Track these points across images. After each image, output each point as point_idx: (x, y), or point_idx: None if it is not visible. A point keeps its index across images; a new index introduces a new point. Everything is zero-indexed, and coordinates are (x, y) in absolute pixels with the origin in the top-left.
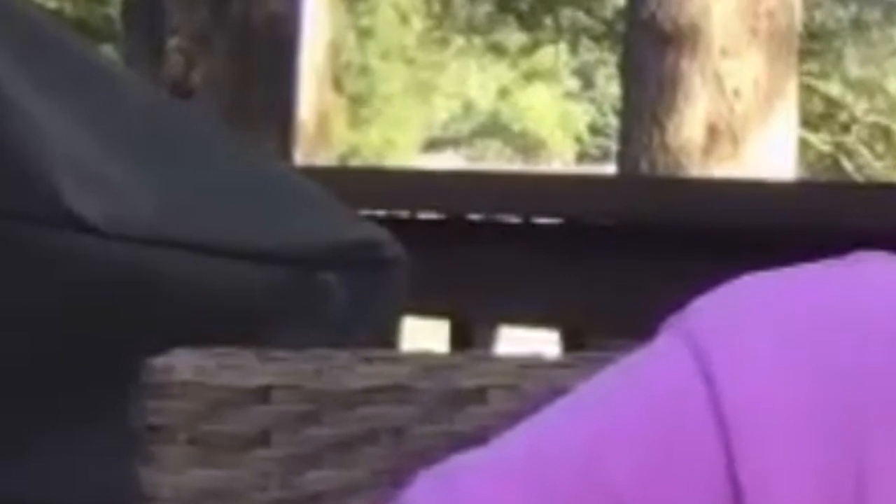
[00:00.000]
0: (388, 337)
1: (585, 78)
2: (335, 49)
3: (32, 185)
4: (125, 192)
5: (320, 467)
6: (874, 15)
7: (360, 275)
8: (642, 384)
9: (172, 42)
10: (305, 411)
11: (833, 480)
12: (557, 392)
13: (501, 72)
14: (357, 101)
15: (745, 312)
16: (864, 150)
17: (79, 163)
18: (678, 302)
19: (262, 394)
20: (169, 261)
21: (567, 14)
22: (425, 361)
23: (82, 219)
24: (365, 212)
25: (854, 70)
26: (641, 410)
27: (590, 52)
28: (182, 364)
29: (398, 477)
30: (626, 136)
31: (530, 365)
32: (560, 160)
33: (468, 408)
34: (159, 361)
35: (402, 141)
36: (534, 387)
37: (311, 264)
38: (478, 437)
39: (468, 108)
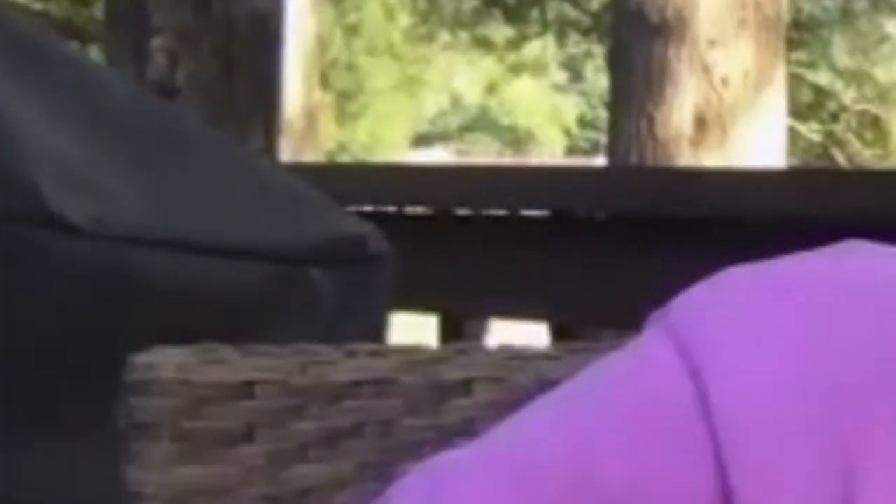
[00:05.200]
0: (377, 332)
1: (573, 71)
2: (322, 46)
3: (14, 185)
4: (109, 192)
5: (306, 462)
6: (862, 4)
7: (348, 271)
8: (628, 381)
9: (156, 42)
10: (290, 406)
11: (824, 473)
12: (544, 384)
13: (489, 66)
14: (345, 98)
15: (730, 306)
16: (853, 139)
17: (63, 164)
18: (669, 293)
19: (246, 389)
20: (154, 260)
21: (553, 7)
22: (410, 355)
23: (66, 219)
24: (352, 207)
25: (842, 59)
26: (628, 408)
27: (577, 44)
28: (164, 361)
29: (385, 470)
30: (614, 128)
31: (516, 357)
32: (549, 153)
33: (454, 400)
34: (141, 359)
35: (390, 137)
36: (520, 379)
37: (297, 261)
38: (464, 430)
39: (456, 102)
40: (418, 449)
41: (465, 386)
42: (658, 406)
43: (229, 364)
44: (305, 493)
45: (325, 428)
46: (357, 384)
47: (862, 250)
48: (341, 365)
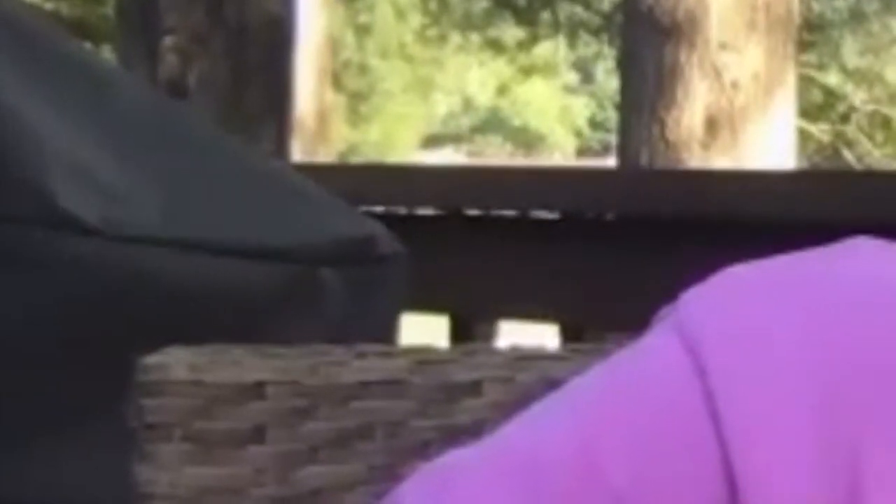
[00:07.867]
0: (388, 333)
1: (584, 72)
2: (334, 47)
3: (28, 188)
4: (122, 193)
5: (316, 463)
6: (872, 5)
7: (359, 271)
8: (635, 380)
9: (167, 42)
10: (300, 407)
11: (829, 475)
12: (553, 384)
13: (500, 67)
14: (356, 99)
15: (737, 304)
16: (863, 140)
17: (76, 165)
18: (679, 295)
19: (257, 390)
20: (167, 261)
21: (565, 8)
22: (420, 355)
23: (80, 221)
24: (363, 208)
25: (852, 60)
26: (635, 407)
27: (588, 45)
28: (176, 361)
29: (395, 471)
30: (625, 130)
31: (525, 357)
32: (560, 155)
33: (464, 401)
34: (153, 359)
35: (402, 138)
36: (529, 379)
37: (309, 261)
38: (474, 431)
39: (467, 104)
40: (428, 449)
41: (475, 387)
42: (665, 404)
43: (240, 365)
44: (315, 494)
45: (335, 429)
46: (367, 385)
47: (867, 248)
48: (351, 366)
